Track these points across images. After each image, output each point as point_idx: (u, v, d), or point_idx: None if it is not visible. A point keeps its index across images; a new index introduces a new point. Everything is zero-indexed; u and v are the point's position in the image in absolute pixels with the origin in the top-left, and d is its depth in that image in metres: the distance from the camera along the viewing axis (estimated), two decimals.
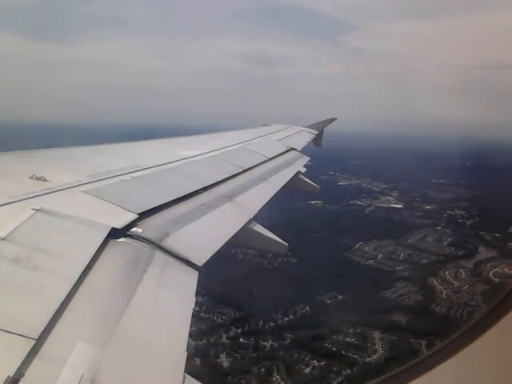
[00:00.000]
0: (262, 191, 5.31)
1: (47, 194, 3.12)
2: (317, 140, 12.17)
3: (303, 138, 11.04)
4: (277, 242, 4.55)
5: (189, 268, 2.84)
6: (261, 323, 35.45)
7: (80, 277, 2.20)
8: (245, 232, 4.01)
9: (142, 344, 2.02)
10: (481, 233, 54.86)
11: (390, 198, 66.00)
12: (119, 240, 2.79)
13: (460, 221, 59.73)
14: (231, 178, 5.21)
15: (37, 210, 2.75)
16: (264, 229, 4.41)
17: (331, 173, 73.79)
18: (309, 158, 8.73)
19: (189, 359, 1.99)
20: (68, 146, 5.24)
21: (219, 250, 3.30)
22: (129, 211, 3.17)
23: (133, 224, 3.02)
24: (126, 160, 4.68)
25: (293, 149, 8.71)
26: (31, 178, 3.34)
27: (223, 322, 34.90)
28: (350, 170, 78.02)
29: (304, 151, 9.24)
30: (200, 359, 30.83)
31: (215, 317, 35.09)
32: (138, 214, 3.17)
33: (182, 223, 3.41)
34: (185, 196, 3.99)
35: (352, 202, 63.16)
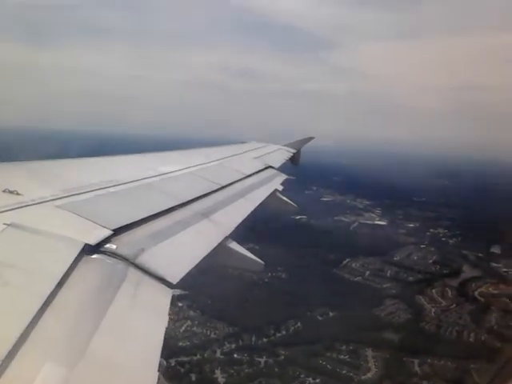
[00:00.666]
0: (238, 208, 5.32)
1: (19, 208, 3.06)
2: (294, 159, 12.31)
3: (281, 156, 11.15)
4: (253, 260, 4.56)
5: (163, 286, 2.81)
6: (254, 339, 35.25)
7: (51, 294, 2.16)
8: (221, 250, 4.01)
9: (113, 365, 1.98)
10: (464, 252, 56.00)
11: (373, 214, 66.94)
12: (92, 256, 2.76)
13: (443, 239, 60.99)
14: (209, 194, 5.21)
15: (8, 225, 2.69)
16: (240, 247, 4.41)
17: (314, 188, 74.51)
18: (286, 177, 8.81)
19: (160, 379, 1.98)
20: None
21: (197, 268, 3.29)
22: (103, 227, 3.14)
23: (107, 240, 2.99)
24: (102, 174, 4.64)
25: (270, 167, 8.78)
26: (3, 191, 3.27)
27: (216, 337, 34.57)
28: (332, 185, 78.97)
29: (282, 169, 9.31)
30: (195, 375, 30.38)
31: (208, 331, 34.72)
32: (113, 229, 3.14)
33: (157, 240, 3.39)
34: (161, 212, 3.97)
35: (336, 217, 63.88)
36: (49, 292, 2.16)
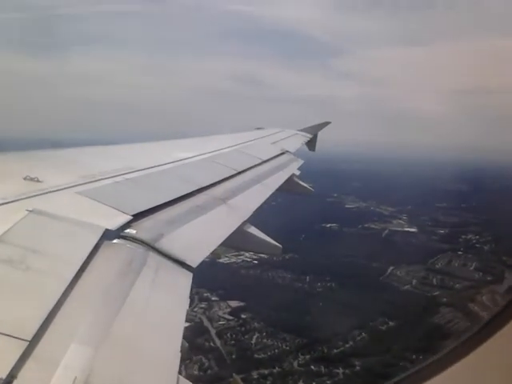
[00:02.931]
0: (256, 193, 5.31)
1: (41, 195, 3.10)
2: (310, 143, 12.21)
3: (297, 141, 11.07)
4: (271, 244, 4.56)
5: (183, 269, 2.83)
6: (325, 349, 34.73)
7: (73, 278, 2.19)
8: (239, 234, 4.01)
9: (136, 346, 2.01)
10: (504, 258, 54.35)
11: (401, 221, 64.93)
12: (113, 241, 2.78)
13: (477, 245, 59.17)
14: (226, 180, 5.21)
15: (30, 211, 2.73)
16: (258, 231, 4.42)
17: (335, 195, 73.08)
18: (302, 161, 8.74)
19: (183, 361, 2.00)
20: None
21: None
22: (123, 213, 3.16)
23: (127, 225, 3.02)
24: (120, 162, 4.66)
25: (287, 151, 8.72)
26: (25, 179, 3.31)
27: (289, 349, 33.77)
28: (352, 192, 76.75)
29: (300, 156, 9.24)
30: None
31: (279, 343, 34.01)
32: (132, 215, 3.16)
33: (176, 225, 3.41)
34: (179, 198, 3.99)
35: (366, 225, 62.23)
36: (71, 277, 2.19)
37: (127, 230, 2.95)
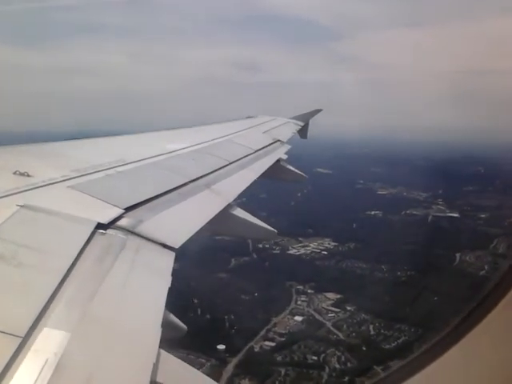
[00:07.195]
0: (241, 178, 5.34)
1: (31, 189, 3.09)
2: (302, 131, 12.21)
3: (289, 129, 11.06)
4: (264, 228, 4.52)
5: (164, 249, 2.89)
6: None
7: (65, 273, 2.19)
8: (225, 217, 4.05)
9: (114, 325, 2.03)
10: None
11: (440, 207, 63.67)
12: (105, 235, 2.79)
13: None
14: (217, 171, 5.22)
15: (21, 206, 2.73)
16: (248, 214, 4.40)
17: (361, 181, 71.96)
18: (289, 147, 8.70)
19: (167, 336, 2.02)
20: None
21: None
22: (115, 206, 3.17)
23: (119, 219, 3.03)
24: (111, 154, 4.66)
25: (279, 141, 8.72)
26: (14, 173, 3.30)
27: (408, 339, 32.14)
28: (377, 178, 75.20)
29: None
30: None
31: (398, 334, 32.90)
32: (124, 208, 3.17)
33: (157, 211, 3.45)
34: (170, 190, 4.00)
35: (408, 211, 61.12)
36: (63, 271, 2.20)
37: (119, 223, 2.96)
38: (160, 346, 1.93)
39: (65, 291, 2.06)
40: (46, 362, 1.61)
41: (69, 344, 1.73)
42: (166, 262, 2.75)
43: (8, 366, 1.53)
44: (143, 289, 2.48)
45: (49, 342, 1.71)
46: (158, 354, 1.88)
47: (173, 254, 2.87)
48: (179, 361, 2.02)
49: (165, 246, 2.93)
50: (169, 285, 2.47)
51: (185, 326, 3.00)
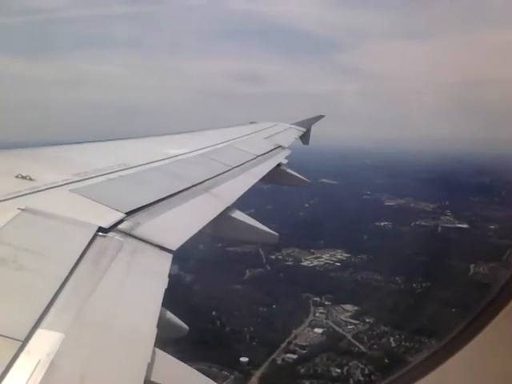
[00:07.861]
0: (241, 182, 5.34)
1: (33, 193, 3.09)
2: (304, 137, 12.21)
3: (291, 135, 11.07)
4: (264, 231, 4.47)
5: (161, 251, 2.89)
6: None
7: (66, 277, 2.18)
8: (224, 220, 4.04)
9: (110, 326, 2.02)
10: None
11: (448, 218, 63.01)
12: (106, 238, 2.78)
13: None
14: (218, 176, 5.20)
15: (22, 210, 2.72)
16: (248, 217, 4.37)
17: (368, 192, 71.52)
18: (290, 151, 8.68)
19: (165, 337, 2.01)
20: None
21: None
22: (116, 210, 3.15)
23: (120, 223, 3.01)
24: (113, 158, 4.65)
25: (280, 146, 8.70)
26: (16, 177, 3.30)
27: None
28: (384, 189, 74.51)
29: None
30: None
31: (418, 345, 32.11)
32: (126, 213, 3.16)
33: (155, 214, 3.45)
34: (172, 195, 3.99)
35: (417, 222, 60.63)
36: (64, 275, 2.19)
37: (120, 227, 2.95)
38: (160, 347, 1.93)
39: (65, 295, 2.05)
40: (38, 363, 1.60)
41: (63, 345, 1.72)
42: (162, 264, 2.76)
43: (7, 370, 1.52)
44: (139, 290, 2.48)
45: (45, 344, 1.70)
46: (154, 354, 1.87)
47: (170, 256, 2.88)
48: (176, 360, 2.01)
49: (162, 248, 2.93)
50: (165, 286, 2.47)
51: (186, 326, 2.98)
